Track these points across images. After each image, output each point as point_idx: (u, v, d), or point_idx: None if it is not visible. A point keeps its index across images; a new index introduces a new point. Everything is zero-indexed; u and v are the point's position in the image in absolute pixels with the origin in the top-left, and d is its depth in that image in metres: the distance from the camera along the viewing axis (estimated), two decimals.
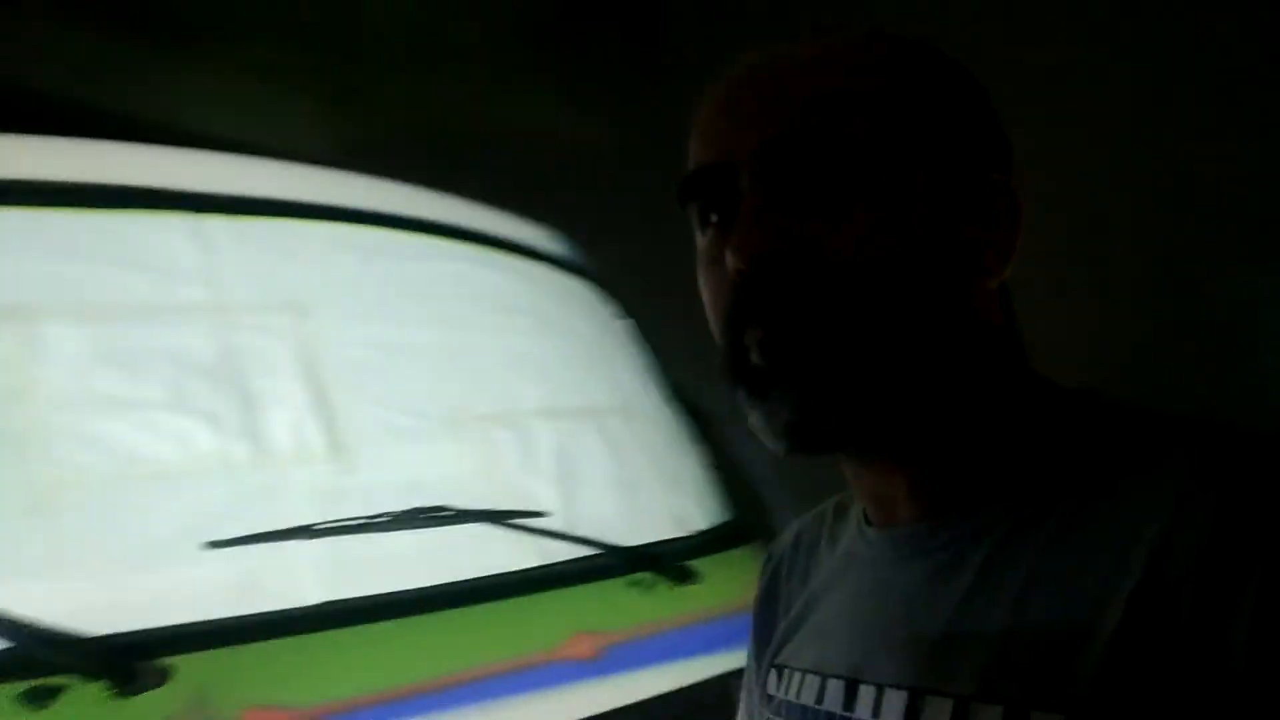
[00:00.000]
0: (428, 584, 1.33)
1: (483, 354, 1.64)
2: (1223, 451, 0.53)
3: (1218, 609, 0.47)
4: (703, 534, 1.67)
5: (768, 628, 0.78)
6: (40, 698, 1.03)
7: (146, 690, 1.08)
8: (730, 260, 0.56)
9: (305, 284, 1.54)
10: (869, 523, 0.68)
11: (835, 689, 0.64)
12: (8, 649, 1.03)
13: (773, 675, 0.74)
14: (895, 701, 0.58)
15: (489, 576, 1.39)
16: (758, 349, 0.57)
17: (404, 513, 1.35)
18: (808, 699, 0.67)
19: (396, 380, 1.51)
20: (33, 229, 1.36)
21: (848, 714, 0.62)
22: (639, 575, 1.49)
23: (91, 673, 1.06)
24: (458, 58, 2.92)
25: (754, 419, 0.60)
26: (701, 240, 0.62)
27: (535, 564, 1.44)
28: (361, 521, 1.32)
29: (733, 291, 0.58)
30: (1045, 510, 0.57)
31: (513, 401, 1.61)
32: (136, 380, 1.31)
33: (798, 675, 0.69)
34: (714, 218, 0.60)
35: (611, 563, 1.47)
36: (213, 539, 1.22)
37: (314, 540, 1.28)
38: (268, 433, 1.36)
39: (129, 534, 1.19)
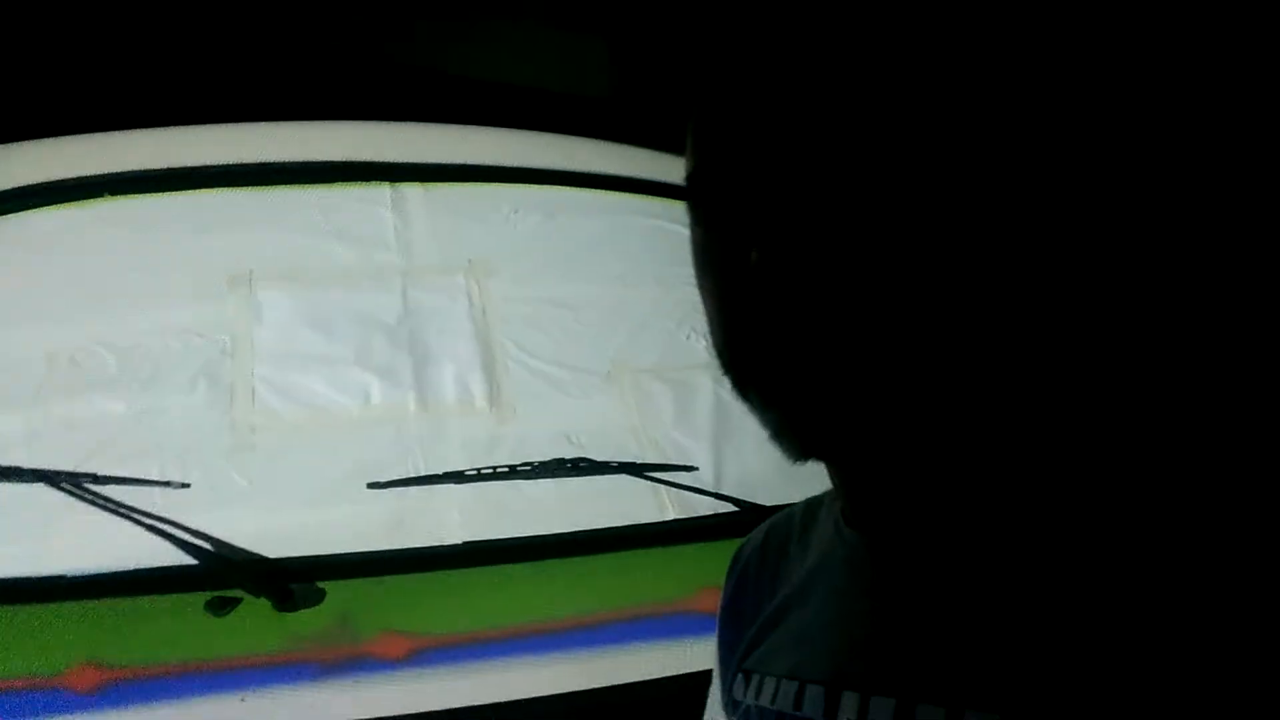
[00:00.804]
0: (563, 530, 1.43)
1: (654, 308, 1.68)
2: None
3: None
4: None
5: (735, 631, 0.75)
6: (220, 607, 1.27)
7: (302, 608, 1.28)
8: (754, 254, 0.55)
9: (488, 244, 1.67)
10: (849, 524, 0.65)
11: (815, 695, 0.61)
12: (198, 565, 1.27)
13: (739, 680, 0.71)
14: (883, 709, 0.56)
15: (623, 527, 1.46)
16: (772, 351, 0.56)
17: (548, 462, 1.45)
18: (784, 705, 0.63)
19: (560, 335, 1.60)
20: (259, 205, 1.60)
21: None
22: None
23: (259, 590, 1.27)
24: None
25: (765, 423, 0.59)
26: (703, 235, 0.61)
27: (673, 517, 1.49)
28: (508, 469, 1.44)
29: (747, 283, 0.57)
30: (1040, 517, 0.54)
31: (677, 355, 1.65)
32: (329, 338, 1.52)
33: (771, 680, 0.66)
34: (726, 211, 0.59)
35: (750, 520, 1.48)
36: (374, 480, 1.40)
37: (463, 485, 1.43)
38: (435, 385, 1.51)
39: (307, 473, 1.40)
